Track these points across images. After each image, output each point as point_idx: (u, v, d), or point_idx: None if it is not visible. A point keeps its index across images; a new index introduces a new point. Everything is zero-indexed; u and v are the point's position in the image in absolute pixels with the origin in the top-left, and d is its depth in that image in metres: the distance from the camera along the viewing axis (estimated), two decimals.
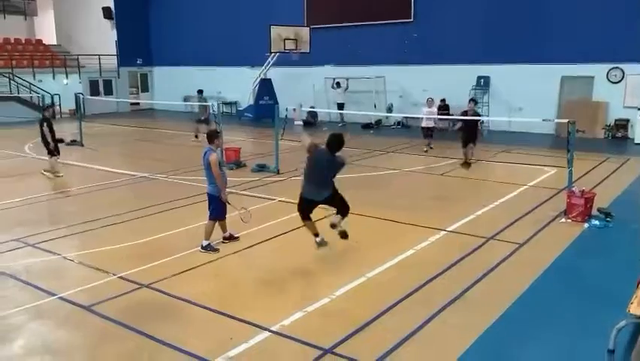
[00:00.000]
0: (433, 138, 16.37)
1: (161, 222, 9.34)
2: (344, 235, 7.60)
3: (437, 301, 6.19)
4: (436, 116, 16.31)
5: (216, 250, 7.90)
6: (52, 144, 13.10)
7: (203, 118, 18.42)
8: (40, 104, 23.89)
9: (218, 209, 7.94)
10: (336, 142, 7.23)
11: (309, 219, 7.58)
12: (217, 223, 8.06)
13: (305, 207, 7.55)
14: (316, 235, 7.58)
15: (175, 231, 8.78)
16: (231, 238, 8.28)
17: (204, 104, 18.73)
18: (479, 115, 14.40)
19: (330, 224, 7.55)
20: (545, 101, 19.19)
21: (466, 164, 13.38)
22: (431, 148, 16.24)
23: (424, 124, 16.22)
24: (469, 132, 13.49)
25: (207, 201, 8.06)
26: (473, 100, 14.37)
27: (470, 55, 20.90)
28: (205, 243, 7.93)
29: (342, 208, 7.51)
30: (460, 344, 5.25)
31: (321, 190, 7.35)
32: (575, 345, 5.34)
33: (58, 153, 13.33)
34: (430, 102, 16.25)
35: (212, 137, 8.03)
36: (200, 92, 20.06)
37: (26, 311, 6.08)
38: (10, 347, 5.35)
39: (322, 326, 5.73)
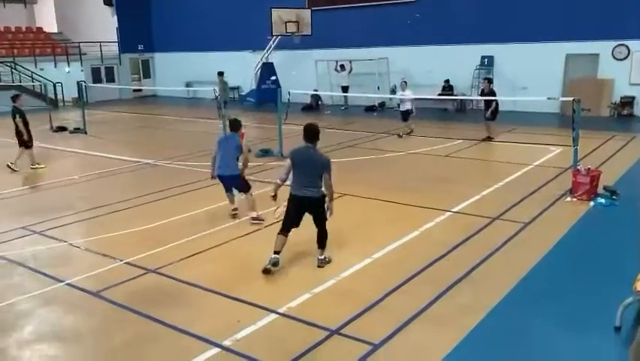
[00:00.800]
0: (407, 121, 16.01)
1: (166, 208, 9.36)
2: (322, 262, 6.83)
3: (443, 281, 6.21)
4: (411, 97, 15.93)
5: (262, 220, 8.28)
6: (26, 135, 12.57)
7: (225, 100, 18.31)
8: (43, 93, 23.86)
9: (245, 183, 8.57)
10: (309, 131, 6.60)
11: (287, 232, 6.78)
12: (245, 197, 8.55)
13: (292, 212, 6.77)
14: (277, 252, 6.67)
15: (180, 216, 8.80)
16: (257, 220, 8.44)
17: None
18: (495, 94, 14.71)
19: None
20: (550, 80, 19.01)
21: (488, 138, 14.70)
22: (409, 132, 15.88)
23: (402, 107, 16.05)
24: (486, 109, 14.73)
25: (227, 184, 8.58)
26: (488, 79, 15.28)
27: (474, 34, 20.69)
28: (254, 214, 8.41)
29: (320, 233, 6.79)
30: (466, 324, 5.27)
31: (307, 188, 6.61)
32: (581, 323, 5.35)
33: (32, 145, 12.84)
34: (403, 85, 16.18)
35: (238, 126, 8.59)
36: (220, 73, 19.81)
37: (35, 298, 6.13)
38: (20, 334, 5.41)
39: (329, 307, 5.76)
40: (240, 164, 8.54)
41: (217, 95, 16.82)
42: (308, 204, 6.68)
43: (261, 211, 8.39)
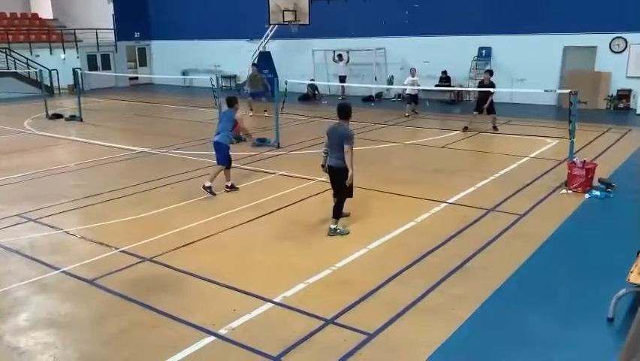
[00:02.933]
0: (417, 104, 17.81)
1: (162, 196, 9.35)
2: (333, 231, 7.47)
3: (438, 271, 6.24)
4: (415, 87, 17.32)
5: (214, 195, 9.09)
6: None
7: (257, 91, 18.60)
8: (38, 80, 23.71)
9: (225, 157, 9.34)
10: (339, 109, 7.46)
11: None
12: (223, 172, 9.37)
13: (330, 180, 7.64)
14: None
15: (176, 205, 8.80)
16: (232, 188, 9.50)
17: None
18: (494, 86, 14.75)
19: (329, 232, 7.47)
20: (547, 72, 19.02)
21: (465, 128, 14.97)
22: (416, 113, 17.67)
23: (408, 91, 17.63)
24: (480, 101, 14.87)
25: (215, 151, 9.39)
26: (489, 71, 15.25)
27: (471, 25, 20.62)
28: (208, 184, 9.11)
29: (335, 203, 7.47)
30: (460, 314, 5.31)
31: (332, 158, 7.41)
32: (574, 314, 5.39)
33: None
34: (412, 71, 17.74)
35: (233, 101, 9.55)
36: (255, 65, 20.50)
37: (31, 285, 6.13)
38: (15, 320, 5.41)
39: (324, 296, 5.79)
40: (231, 137, 9.83)
41: (246, 88, 18.52)
42: (332, 172, 7.49)
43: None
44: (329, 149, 7.49)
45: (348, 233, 7.48)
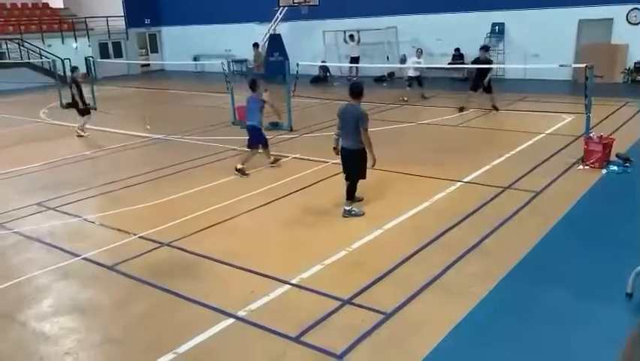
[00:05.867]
0: (423, 87, 17.04)
1: (178, 182, 9.43)
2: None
3: (454, 250, 6.23)
4: (423, 66, 17.06)
5: (247, 175, 9.49)
6: (81, 104, 13.70)
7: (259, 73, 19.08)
8: (52, 70, 23.87)
9: (258, 137, 9.77)
10: (350, 89, 7.42)
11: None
12: (262, 152, 9.88)
13: (342, 163, 7.64)
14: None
15: (192, 190, 8.87)
16: (275, 162, 10.05)
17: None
18: (490, 62, 14.38)
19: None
20: (562, 47, 18.66)
21: (461, 108, 14.52)
22: (425, 97, 16.96)
23: (410, 73, 16.77)
24: (477, 79, 14.33)
25: (248, 134, 9.82)
26: (485, 47, 14.76)
27: (484, 1, 20.29)
28: (239, 166, 9.54)
29: (348, 185, 7.49)
30: (477, 292, 5.31)
31: (345, 140, 7.38)
32: (592, 291, 5.36)
33: (88, 113, 13.99)
34: (419, 52, 16.90)
35: (254, 85, 9.78)
36: (256, 45, 20.91)
37: (53, 272, 6.25)
38: (39, 307, 5.54)
39: (340, 277, 5.83)
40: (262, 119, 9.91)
41: (251, 65, 17.82)
42: (344, 155, 7.44)
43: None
44: (341, 131, 7.42)
45: (363, 214, 7.49)
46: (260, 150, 9.91)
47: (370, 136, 7.26)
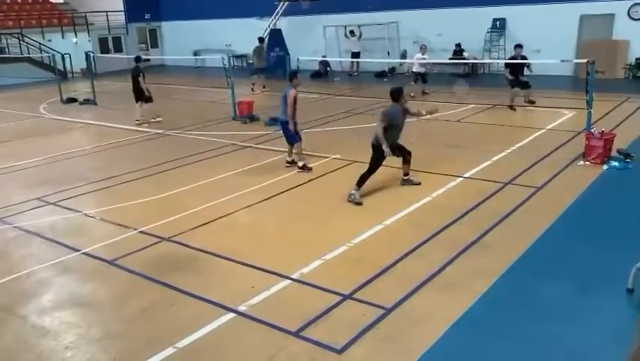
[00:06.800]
0: (426, 83, 17.02)
1: (178, 177, 9.42)
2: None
3: (454, 246, 6.23)
4: (430, 61, 17.26)
5: (310, 169, 9.31)
6: (147, 92, 14.21)
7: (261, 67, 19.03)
8: (52, 64, 23.87)
9: (289, 135, 9.42)
10: (390, 92, 8.13)
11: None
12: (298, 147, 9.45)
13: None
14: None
15: (192, 185, 8.86)
16: (292, 164, 9.60)
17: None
18: (526, 58, 14.00)
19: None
20: (563, 42, 18.62)
21: (511, 107, 13.95)
22: (427, 93, 16.82)
23: (415, 69, 16.78)
24: (516, 75, 13.83)
25: (282, 130, 9.61)
26: (519, 46, 14.02)
27: None
28: (300, 163, 9.36)
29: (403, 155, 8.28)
30: (477, 288, 5.31)
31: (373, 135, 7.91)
32: (593, 286, 5.36)
33: (152, 101, 14.47)
34: (423, 49, 16.94)
35: (292, 76, 9.34)
36: (261, 40, 20.62)
37: (53, 267, 6.25)
38: (39, 301, 5.54)
39: (341, 273, 5.82)
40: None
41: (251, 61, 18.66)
42: (373, 148, 7.93)
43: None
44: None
45: (360, 204, 7.73)
46: (298, 144, 9.47)
47: (370, 132, 7.39)
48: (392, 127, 7.86)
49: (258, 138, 11.90)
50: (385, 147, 7.67)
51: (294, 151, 9.61)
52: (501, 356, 4.40)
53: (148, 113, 14.40)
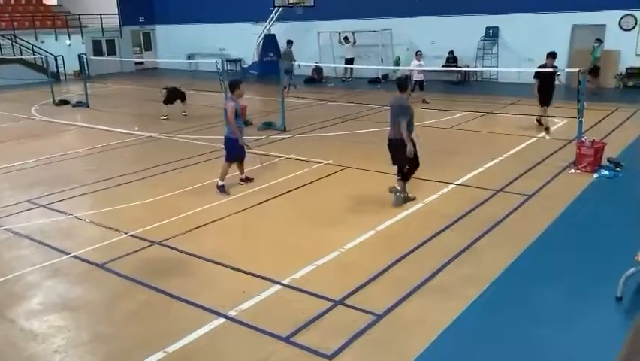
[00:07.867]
0: (424, 91, 16.71)
1: (170, 181, 9.38)
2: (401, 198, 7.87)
3: (446, 252, 6.24)
4: (427, 69, 16.97)
5: (227, 194, 8.48)
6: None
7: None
8: (44, 66, 23.78)
9: (231, 152, 8.71)
10: (396, 82, 8.02)
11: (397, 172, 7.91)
12: (236, 166, 8.87)
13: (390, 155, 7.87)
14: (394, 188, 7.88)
15: (184, 189, 8.83)
16: (247, 180, 9.01)
17: None
18: (556, 68, 12.38)
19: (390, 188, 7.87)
20: (556, 51, 18.70)
21: (545, 128, 12.08)
22: (427, 102, 16.42)
23: (415, 77, 16.24)
24: (547, 90, 12.08)
25: (224, 145, 8.85)
26: (552, 53, 12.35)
27: (478, 5, 20.37)
28: (220, 183, 8.58)
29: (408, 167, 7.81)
30: (469, 294, 5.32)
31: (391, 130, 7.71)
32: (583, 294, 5.38)
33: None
34: (419, 55, 16.81)
35: (233, 86, 8.56)
36: (289, 42, 20.78)
37: (42, 270, 6.20)
38: (28, 304, 5.48)
39: (332, 278, 5.81)
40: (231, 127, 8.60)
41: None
42: (390, 145, 7.72)
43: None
44: (390, 122, 7.72)
45: (413, 198, 7.87)
46: None
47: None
48: (412, 117, 7.57)
49: (251, 143, 11.86)
50: (410, 146, 7.44)
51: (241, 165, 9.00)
52: None
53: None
